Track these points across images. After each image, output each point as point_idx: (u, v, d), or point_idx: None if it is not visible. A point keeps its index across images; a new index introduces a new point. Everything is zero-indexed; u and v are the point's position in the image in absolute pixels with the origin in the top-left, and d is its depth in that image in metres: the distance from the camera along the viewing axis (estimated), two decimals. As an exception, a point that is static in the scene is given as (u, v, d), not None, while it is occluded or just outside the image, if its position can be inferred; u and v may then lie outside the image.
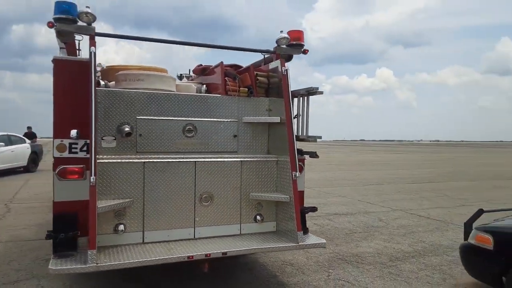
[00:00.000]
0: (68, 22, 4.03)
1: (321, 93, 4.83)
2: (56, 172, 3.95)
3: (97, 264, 3.55)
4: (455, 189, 14.27)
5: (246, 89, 4.93)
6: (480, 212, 5.02)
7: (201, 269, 4.14)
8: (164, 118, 4.50)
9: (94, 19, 4.05)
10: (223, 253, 4.03)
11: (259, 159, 4.80)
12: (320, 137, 4.91)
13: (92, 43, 4.03)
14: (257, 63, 5.56)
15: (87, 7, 4.06)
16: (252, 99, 4.93)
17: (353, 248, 6.50)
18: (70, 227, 3.87)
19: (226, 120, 4.79)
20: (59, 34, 4.24)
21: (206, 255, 3.95)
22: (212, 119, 4.71)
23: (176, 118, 4.55)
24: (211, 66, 5.74)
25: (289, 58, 5.05)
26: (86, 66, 3.98)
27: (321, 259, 5.89)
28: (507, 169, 24.06)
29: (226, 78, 4.96)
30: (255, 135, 4.92)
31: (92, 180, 3.62)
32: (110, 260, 3.69)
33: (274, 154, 4.89)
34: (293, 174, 4.44)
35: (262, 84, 5.03)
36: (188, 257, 3.87)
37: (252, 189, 4.74)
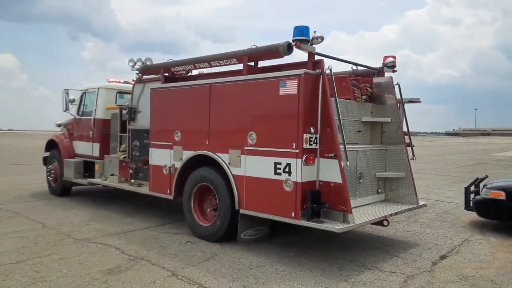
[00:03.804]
0: (305, 43, 5.20)
1: (420, 102, 7.01)
2: (303, 159, 5.10)
3: (356, 223, 5.01)
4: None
5: (365, 96, 6.73)
6: (476, 179, 8.11)
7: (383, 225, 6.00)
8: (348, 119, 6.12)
9: (322, 40, 5.28)
10: (395, 213, 5.91)
11: (380, 148, 6.68)
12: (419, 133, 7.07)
13: (321, 61, 5.30)
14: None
15: (314, 31, 5.28)
16: (362, 103, 6.75)
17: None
18: (319, 200, 5.11)
19: (355, 119, 6.51)
20: (283, 51, 5.33)
21: (390, 214, 5.76)
22: (352, 119, 6.37)
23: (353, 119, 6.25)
24: None
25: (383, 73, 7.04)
26: (317, 78, 5.23)
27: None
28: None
29: (353, 88, 6.63)
30: (366, 131, 6.77)
31: (347, 163, 5.04)
32: (355, 221, 5.12)
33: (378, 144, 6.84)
34: (409, 158, 6.55)
35: (368, 93, 6.88)
36: (385, 216, 5.63)
37: (375, 170, 6.60)
